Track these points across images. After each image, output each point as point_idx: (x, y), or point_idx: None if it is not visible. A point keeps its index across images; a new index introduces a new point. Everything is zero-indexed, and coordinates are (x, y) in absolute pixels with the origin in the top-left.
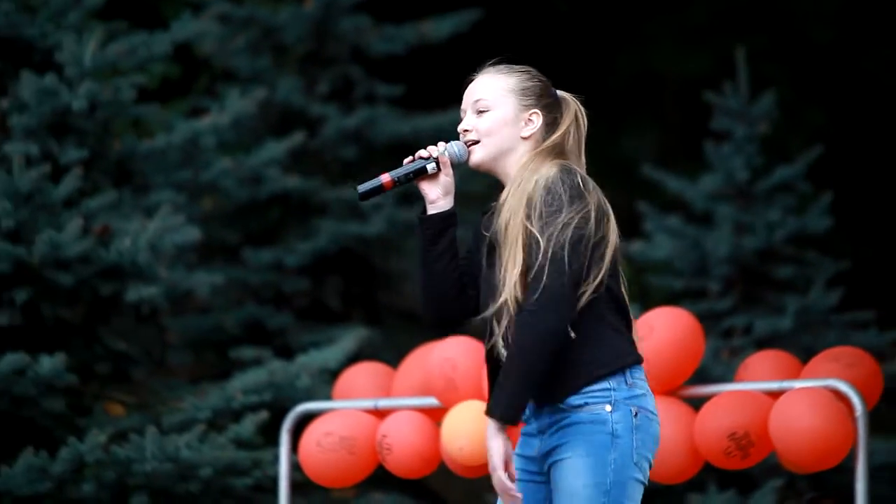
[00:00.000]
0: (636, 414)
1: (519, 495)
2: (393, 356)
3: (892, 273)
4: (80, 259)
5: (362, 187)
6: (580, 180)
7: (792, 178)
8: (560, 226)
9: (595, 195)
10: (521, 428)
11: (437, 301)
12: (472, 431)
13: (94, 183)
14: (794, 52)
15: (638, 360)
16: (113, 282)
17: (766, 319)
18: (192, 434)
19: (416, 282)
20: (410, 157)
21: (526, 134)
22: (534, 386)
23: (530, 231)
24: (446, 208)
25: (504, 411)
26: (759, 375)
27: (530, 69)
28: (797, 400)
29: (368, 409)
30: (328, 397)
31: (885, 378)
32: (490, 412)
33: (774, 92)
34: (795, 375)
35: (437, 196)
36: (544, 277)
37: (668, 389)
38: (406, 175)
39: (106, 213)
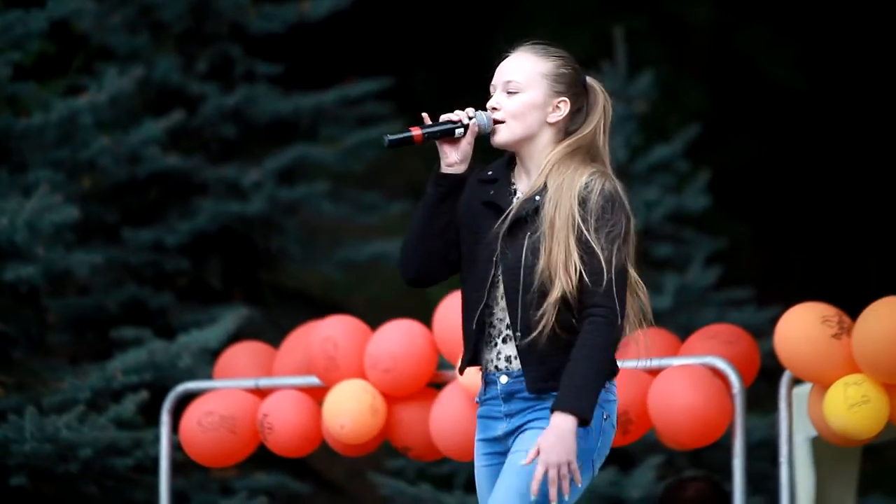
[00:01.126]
0: (606, 418)
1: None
2: (274, 336)
3: (769, 251)
4: None
5: (392, 137)
6: (622, 194)
7: (670, 157)
8: (622, 238)
9: (629, 209)
10: (479, 411)
11: (421, 257)
12: (353, 410)
13: None
14: (672, 33)
15: (617, 372)
16: None
17: None
18: (71, 414)
19: (409, 234)
20: (443, 118)
21: (552, 120)
22: None
23: (585, 232)
24: (461, 173)
25: (589, 412)
26: (638, 353)
27: (565, 55)
28: (675, 377)
29: (249, 388)
30: (209, 377)
31: (762, 356)
32: (581, 413)
33: (653, 71)
34: (674, 353)
35: (455, 160)
36: (614, 287)
37: None
38: (436, 133)
39: None
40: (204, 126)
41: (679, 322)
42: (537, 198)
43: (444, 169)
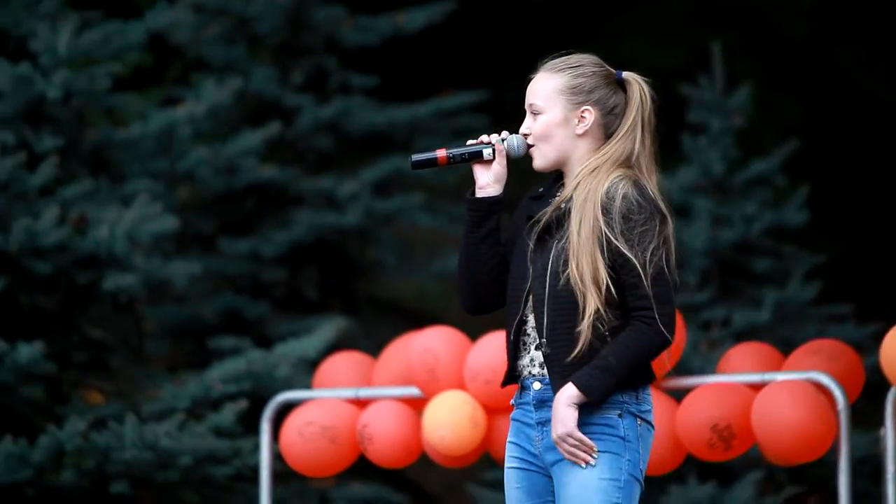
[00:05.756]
0: (640, 423)
1: (595, 455)
2: (370, 346)
3: (869, 266)
4: (56, 247)
5: (416, 157)
6: (652, 193)
7: (768, 172)
8: (655, 238)
9: (664, 208)
10: (513, 414)
11: (472, 285)
12: (453, 421)
13: (70, 171)
14: (768, 47)
15: (652, 380)
16: (90, 270)
17: (743, 312)
18: (171, 422)
19: (458, 262)
20: (475, 140)
21: (580, 131)
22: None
23: (613, 240)
24: (494, 194)
25: (599, 396)
26: (741, 367)
27: (581, 62)
28: (779, 392)
29: (349, 398)
30: (306, 387)
31: (866, 371)
32: (585, 389)
33: (750, 85)
34: (777, 368)
35: (487, 182)
36: (650, 290)
37: None
38: (462, 155)
39: (82, 202)
40: (300, 138)
41: (779, 336)
42: (562, 205)
43: (477, 192)
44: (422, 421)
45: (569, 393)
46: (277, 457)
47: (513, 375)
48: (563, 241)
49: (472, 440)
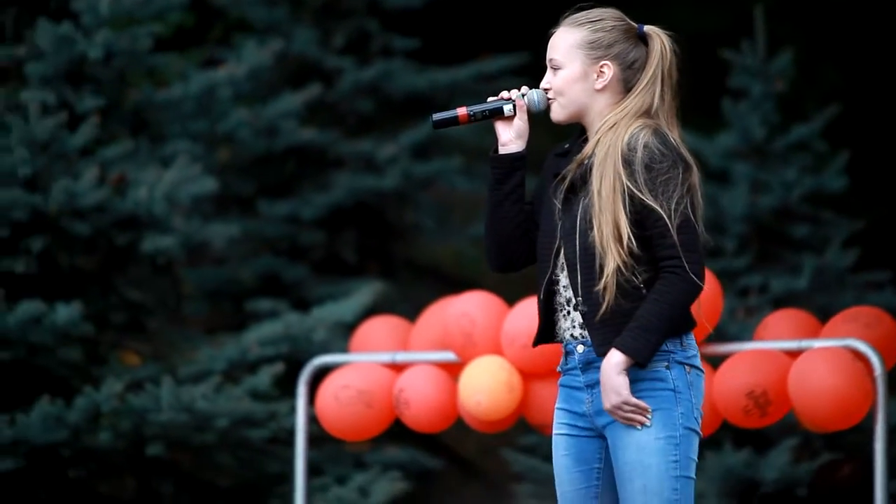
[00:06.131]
0: (689, 371)
1: (649, 416)
2: (408, 310)
3: None
4: (96, 208)
5: (437, 116)
6: (674, 142)
7: (808, 137)
8: (680, 187)
9: (687, 156)
10: (561, 380)
11: (498, 243)
12: (489, 386)
13: (111, 132)
14: (811, 12)
15: (693, 325)
16: (129, 231)
17: (781, 279)
18: (207, 385)
19: (484, 222)
20: (496, 97)
21: (599, 86)
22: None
23: (637, 193)
24: (516, 150)
25: (646, 357)
26: (778, 334)
27: (602, 17)
28: (816, 359)
29: (386, 362)
30: (343, 350)
31: None
32: (632, 353)
33: (792, 50)
34: (814, 335)
35: (510, 139)
36: (677, 239)
37: None
38: (482, 112)
39: (122, 163)
40: (340, 100)
41: (817, 303)
42: (585, 162)
43: (500, 149)
44: (458, 386)
45: (616, 360)
46: (313, 420)
47: (547, 336)
48: (588, 198)
49: (507, 405)
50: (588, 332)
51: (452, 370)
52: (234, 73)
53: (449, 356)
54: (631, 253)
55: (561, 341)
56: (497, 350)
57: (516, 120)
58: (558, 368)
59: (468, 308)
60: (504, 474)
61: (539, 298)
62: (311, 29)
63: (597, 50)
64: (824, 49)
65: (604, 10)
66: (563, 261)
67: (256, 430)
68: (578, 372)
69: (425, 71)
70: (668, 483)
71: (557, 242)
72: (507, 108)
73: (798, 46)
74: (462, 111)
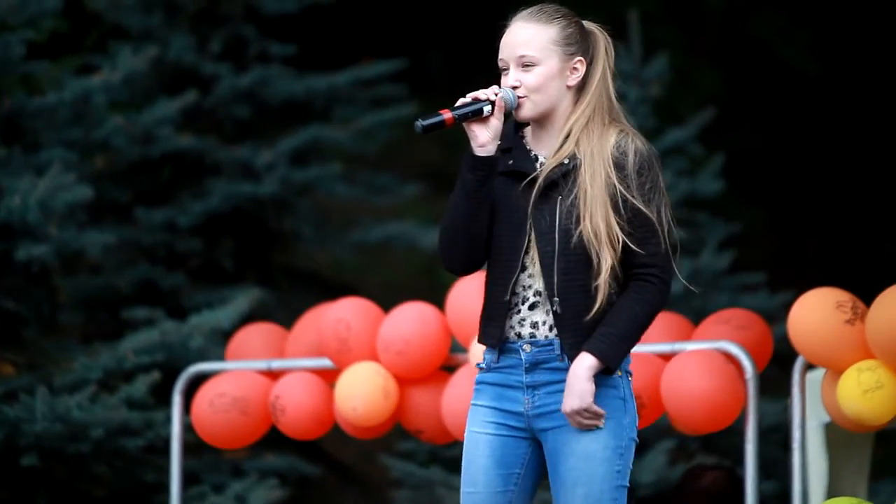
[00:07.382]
0: (630, 378)
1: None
2: (286, 317)
3: (782, 236)
4: None
5: (426, 122)
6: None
7: (684, 141)
8: (663, 202)
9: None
10: (486, 377)
11: (468, 247)
12: (365, 393)
13: None
14: (686, 17)
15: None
16: (3, 240)
17: None
18: (83, 394)
19: (450, 223)
20: (468, 98)
21: (571, 83)
22: None
23: (630, 198)
24: (493, 152)
25: (616, 364)
26: (651, 337)
27: (564, 13)
28: (688, 362)
29: (261, 370)
30: (221, 358)
31: (775, 341)
32: (605, 359)
33: (667, 55)
34: (687, 337)
35: (487, 139)
36: (661, 252)
37: None
38: (465, 114)
39: None
40: (217, 106)
41: (692, 306)
42: (566, 161)
43: (477, 151)
44: (334, 392)
45: (587, 364)
46: (190, 428)
47: (492, 335)
48: (573, 197)
49: (383, 411)
50: (560, 332)
51: (328, 377)
52: (109, 79)
53: (325, 363)
54: (624, 252)
55: (500, 338)
56: (373, 356)
57: (493, 119)
58: (480, 365)
59: (343, 314)
60: (383, 480)
61: (502, 297)
62: (188, 35)
63: (571, 46)
64: (700, 54)
65: (556, 6)
66: (533, 259)
67: (132, 439)
68: (521, 371)
69: (303, 77)
70: (609, 493)
71: (526, 241)
72: (487, 109)
73: (675, 50)
74: (447, 114)
